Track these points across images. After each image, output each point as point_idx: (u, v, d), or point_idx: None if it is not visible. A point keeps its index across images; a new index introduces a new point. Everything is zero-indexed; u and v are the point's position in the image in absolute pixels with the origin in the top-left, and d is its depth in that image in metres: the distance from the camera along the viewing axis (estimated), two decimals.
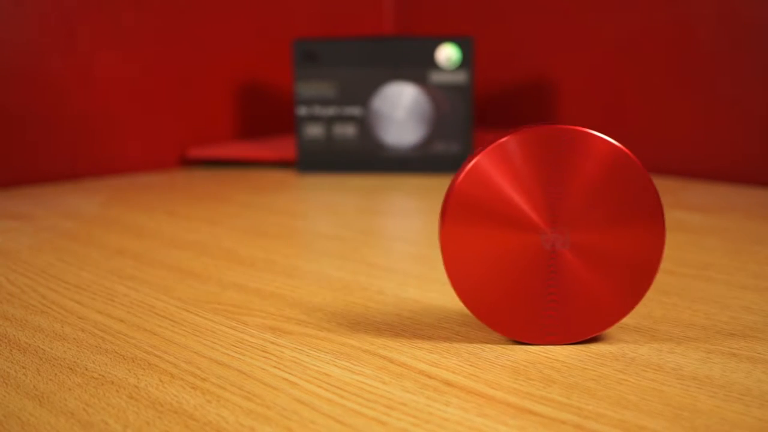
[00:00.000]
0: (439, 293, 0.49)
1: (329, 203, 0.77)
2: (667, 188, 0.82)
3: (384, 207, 0.75)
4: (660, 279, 0.51)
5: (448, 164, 0.92)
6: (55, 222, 0.70)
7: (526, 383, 0.36)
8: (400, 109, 0.92)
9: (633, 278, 0.39)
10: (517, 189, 0.38)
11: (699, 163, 0.89)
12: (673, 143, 0.91)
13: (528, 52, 1.04)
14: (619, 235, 0.39)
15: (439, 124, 0.91)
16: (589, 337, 0.40)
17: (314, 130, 0.93)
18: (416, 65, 0.91)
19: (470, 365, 0.38)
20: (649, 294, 0.48)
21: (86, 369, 0.38)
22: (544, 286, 0.39)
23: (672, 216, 0.69)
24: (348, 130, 0.93)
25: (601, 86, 0.97)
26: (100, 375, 0.37)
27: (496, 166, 0.38)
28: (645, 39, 0.92)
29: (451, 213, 0.39)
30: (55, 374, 0.37)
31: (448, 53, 0.90)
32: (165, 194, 0.83)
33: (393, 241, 0.62)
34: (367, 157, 0.93)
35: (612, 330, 0.42)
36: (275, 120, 1.09)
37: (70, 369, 0.38)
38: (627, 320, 0.44)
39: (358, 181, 0.89)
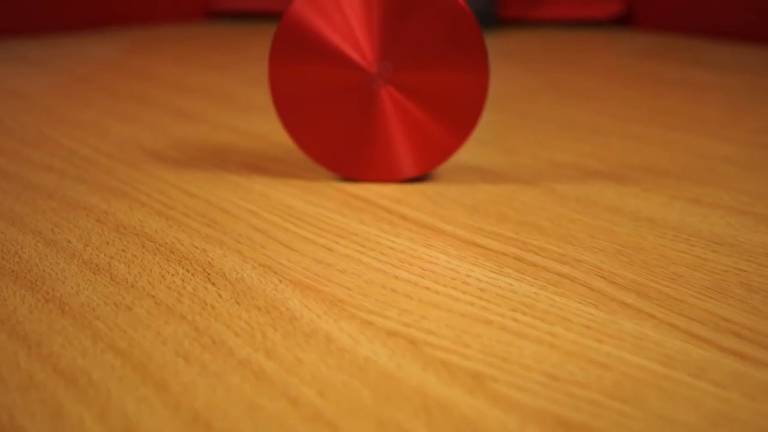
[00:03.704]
0: None
1: None
2: (690, 47, 0.80)
3: None
4: (647, 131, 0.51)
5: None
6: (71, 68, 0.71)
7: (481, 220, 0.36)
8: None
9: (460, 116, 0.40)
10: (344, 27, 0.39)
11: (727, 20, 0.86)
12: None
13: None
14: (445, 76, 0.39)
15: None
16: (421, 173, 0.40)
17: None
18: None
19: (432, 203, 0.38)
20: (631, 143, 0.48)
21: (63, 196, 0.39)
22: (373, 123, 0.40)
23: (684, 73, 0.68)
24: None
25: None
26: (74, 201, 0.39)
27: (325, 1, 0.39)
28: None
29: (277, 50, 0.39)
30: (34, 200, 0.39)
31: None
32: (184, 43, 0.84)
33: None
34: None
35: (581, 174, 0.42)
36: None
37: (49, 196, 0.39)
38: (599, 166, 0.44)
39: None
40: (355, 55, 0.39)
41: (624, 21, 0.97)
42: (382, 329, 0.27)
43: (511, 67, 0.72)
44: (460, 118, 0.40)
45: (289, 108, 0.40)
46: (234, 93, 0.61)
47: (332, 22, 0.39)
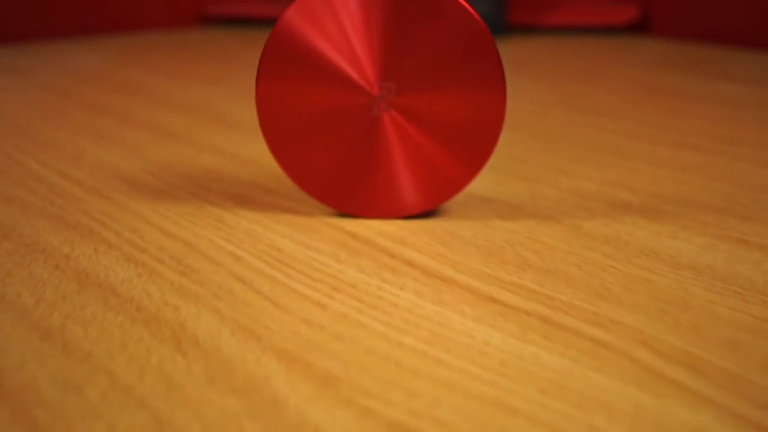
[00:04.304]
0: None
1: None
2: (713, 58, 0.75)
3: None
4: (678, 155, 0.46)
5: None
6: (53, 79, 0.67)
7: (498, 267, 0.32)
8: None
9: (472, 144, 0.35)
10: (342, 42, 0.34)
11: (749, 31, 0.81)
12: (722, 7, 0.83)
13: None
14: (455, 99, 0.34)
15: None
16: (428, 209, 0.36)
17: None
18: None
19: (441, 244, 0.34)
20: (661, 169, 0.43)
21: (21, 235, 0.35)
22: (373, 152, 0.35)
23: (711, 87, 0.63)
24: None
25: None
26: (33, 242, 0.34)
27: (323, 10, 0.33)
28: None
29: (266, 66, 0.34)
30: None
31: None
32: (174, 51, 0.79)
33: None
34: None
35: (608, 207, 0.37)
36: None
37: (5, 235, 0.35)
38: (628, 197, 0.39)
39: None
40: (354, 74, 0.34)
41: (639, 28, 0.92)
42: (384, 420, 0.22)
43: (522, 78, 0.67)
44: (472, 147, 0.35)
45: (279, 133, 0.35)
46: (223, 108, 0.57)
47: (329, 35, 0.34)
